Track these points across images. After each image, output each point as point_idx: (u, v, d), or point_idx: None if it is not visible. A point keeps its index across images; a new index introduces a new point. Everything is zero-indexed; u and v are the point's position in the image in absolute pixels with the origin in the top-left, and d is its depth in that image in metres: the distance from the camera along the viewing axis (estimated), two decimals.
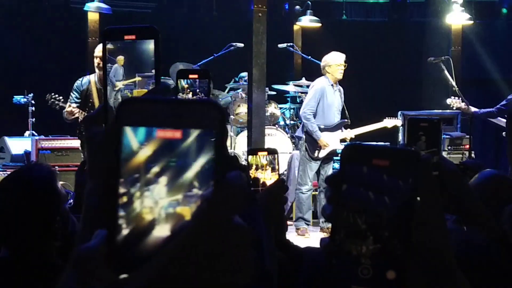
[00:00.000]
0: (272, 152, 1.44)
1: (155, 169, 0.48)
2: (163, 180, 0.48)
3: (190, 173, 0.48)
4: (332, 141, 5.93)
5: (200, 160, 0.48)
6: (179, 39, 8.75)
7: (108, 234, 0.48)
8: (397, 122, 6.49)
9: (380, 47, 9.58)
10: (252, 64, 5.33)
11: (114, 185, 0.48)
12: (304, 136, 6.01)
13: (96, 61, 5.13)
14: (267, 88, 6.95)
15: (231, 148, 7.09)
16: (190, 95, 1.10)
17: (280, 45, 7.86)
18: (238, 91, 7.49)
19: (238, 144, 7.15)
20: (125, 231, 0.48)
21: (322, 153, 5.93)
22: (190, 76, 1.12)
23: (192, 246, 0.46)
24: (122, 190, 0.48)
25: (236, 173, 0.50)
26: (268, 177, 1.42)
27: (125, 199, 0.48)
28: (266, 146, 5.85)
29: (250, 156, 1.42)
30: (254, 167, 1.41)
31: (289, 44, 8.00)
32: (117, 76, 0.83)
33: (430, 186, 0.62)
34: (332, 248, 0.56)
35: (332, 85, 5.97)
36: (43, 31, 8.60)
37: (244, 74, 7.40)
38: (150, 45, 0.77)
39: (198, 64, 7.14)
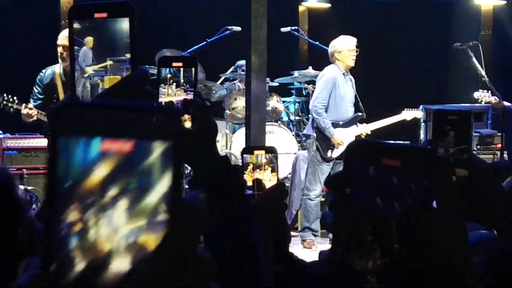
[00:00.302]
0: (271, 150, 1.45)
1: (112, 191, 0.46)
2: (123, 204, 0.46)
3: (154, 195, 0.46)
4: (346, 138, 5.90)
5: (165, 180, 0.46)
6: (166, 22, 8.76)
7: (42, 266, 0.46)
8: (416, 114, 6.50)
9: (398, 31, 9.55)
10: (250, 51, 5.32)
11: (49, 212, 0.46)
12: (314, 134, 5.99)
13: (59, 50, 5.05)
14: (268, 79, 6.93)
15: (226, 148, 7.08)
16: (173, 87, 1.10)
17: (283, 29, 7.83)
18: (235, 82, 7.48)
19: (234, 143, 7.15)
20: (78, 265, 0.46)
21: (336, 153, 5.91)
22: (174, 64, 1.12)
23: (152, 282, 0.46)
24: (74, 216, 0.46)
25: (194, 193, 0.51)
26: (267, 178, 1.44)
27: (78, 227, 0.46)
28: (267, 144, 5.84)
29: (245, 156, 1.43)
30: (251, 166, 1.43)
31: (293, 28, 7.97)
32: (87, 60, 0.83)
33: (448, 189, 0.62)
34: (334, 263, 0.56)
35: (344, 74, 5.98)
36: (7, 20, 8.54)
37: (242, 62, 7.37)
38: (124, 24, 0.76)
39: (188, 51, 7.11)
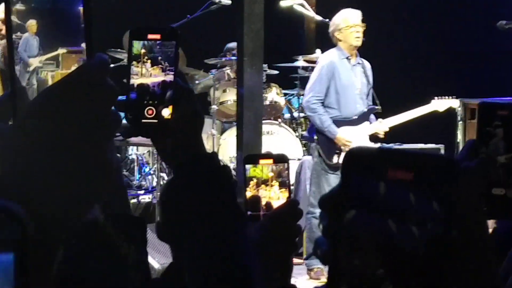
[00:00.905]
0: (281, 159, 1.43)
1: None
2: None
3: None
4: (356, 138, 5.86)
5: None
6: None
7: None
8: (452, 102, 6.38)
9: (428, 6, 9.58)
10: (243, 30, 5.35)
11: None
12: (315, 137, 5.98)
13: None
14: (265, 66, 7.01)
15: None
16: (148, 65, 1.09)
17: (283, 3, 7.83)
18: (224, 69, 7.49)
19: (223, 147, 7.17)
20: None
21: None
22: (150, 36, 1.11)
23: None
24: None
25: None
26: (275, 196, 1.41)
27: None
28: (265, 149, 5.77)
29: (247, 166, 1.41)
30: (254, 181, 1.41)
31: (297, 1, 8.02)
32: (30, 50, 0.85)
33: (474, 209, 0.62)
34: None
35: (348, 58, 5.95)
36: None
37: (232, 45, 7.37)
38: (77, 4, 0.77)
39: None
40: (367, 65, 6.11)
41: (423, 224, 0.56)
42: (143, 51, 1.09)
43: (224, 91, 7.36)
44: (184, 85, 1.12)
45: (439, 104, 6.35)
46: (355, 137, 5.88)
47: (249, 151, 5.05)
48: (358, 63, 6.03)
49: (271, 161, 1.43)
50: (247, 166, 1.42)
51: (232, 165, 6.65)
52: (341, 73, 5.93)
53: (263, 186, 1.41)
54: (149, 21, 7.30)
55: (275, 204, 1.41)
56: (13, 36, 0.77)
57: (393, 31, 9.23)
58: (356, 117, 5.95)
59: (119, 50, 7.26)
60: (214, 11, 7.22)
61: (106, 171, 0.76)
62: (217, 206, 1.09)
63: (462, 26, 9.50)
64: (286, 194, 1.43)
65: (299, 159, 6.81)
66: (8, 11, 0.76)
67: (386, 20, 6.19)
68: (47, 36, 0.80)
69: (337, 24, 5.98)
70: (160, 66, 1.09)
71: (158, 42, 1.10)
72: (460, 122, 6.78)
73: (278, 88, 7.49)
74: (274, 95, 7.39)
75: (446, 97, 6.36)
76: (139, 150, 7.55)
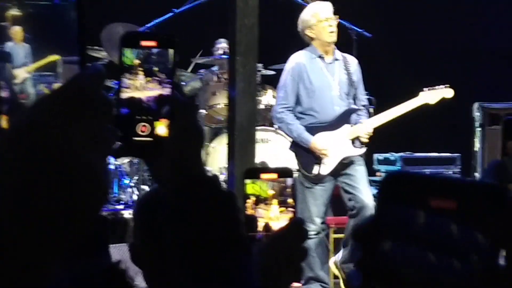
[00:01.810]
0: (285, 174, 1.45)
1: None
2: None
3: None
4: (335, 145, 5.78)
5: None
6: None
7: None
8: (444, 92, 5.95)
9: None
10: (235, 25, 5.28)
11: None
12: (293, 148, 5.95)
13: None
14: (260, 65, 7.06)
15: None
16: (140, 77, 1.08)
17: None
18: (213, 69, 7.54)
19: (212, 155, 7.19)
20: None
21: (325, 169, 5.79)
22: (144, 43, 1.10)
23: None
24: None
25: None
26: (274, 216, 1.44)
27: None
28: (259, 159, 5.84)
29: (247, 181, 1.43)
30: (252, 199, 1.43)
31: None
32: (15, 60, 0.83)
33: None
34: None
35: (320, 56, 5.87)
36: None
37: (223, 41, 7.47)
38: (66, 5, 0.75)
39: (148, 25, 7.15)
40: (351, 60, 6.01)
41: (466, 257, 0.58)
42: (136, 61, 1.08)
43: (214, 93, 7.41)
44: (182, 99, 1.12)
45: (429, 96, 5.97)
46: (333, 143, 5.79)
47: (242, 161, 5.04)
48: (336, 60, 5.93)
49: (274, 175, 1.43)
50: (246, 181, 1.42)
51: (222, 176, 6.64)
52: (311, 75, 5.85)
53: (261, 205, 1.42)
54: (130, 15, 7.36)
55: (275, 225, 1.42)
56: (5, 45, 0.75)
57: (403, 23, 9.22)
58: (333, 120, 5.83)
59: (96, 48, 7.25)
60: (203, 4, 7.29)
61: (98, 194, 0.74)
62: (219, 236, 1.10)
63: (482, 21, 9.47)
64: (288, 215, 1.44)
65: (297, 170, 6.70)
66: None
67: (391, 10, 6.10)
68: (39, 44, 0.68)
69: (307, 20, 5.92)
70: (156, 78, 1.08)
71: (153, 50, 1.10)
72: (479, 129, 6.67)
73: (274, 90, 7.41)
74: (269, 98, 7.42)
75: (437, 86, 5.98)
76: (117, 160, 7.48)
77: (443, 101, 5.94)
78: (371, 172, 6.15)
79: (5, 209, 0.71)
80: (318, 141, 5.73)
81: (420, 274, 0.58)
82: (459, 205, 0.59)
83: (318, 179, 5.78)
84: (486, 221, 0.59)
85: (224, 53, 7.35)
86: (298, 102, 5.84)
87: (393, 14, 7.45)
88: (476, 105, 6.75)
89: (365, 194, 5.73)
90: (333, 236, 6.18)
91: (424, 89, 5.99)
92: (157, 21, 7.22)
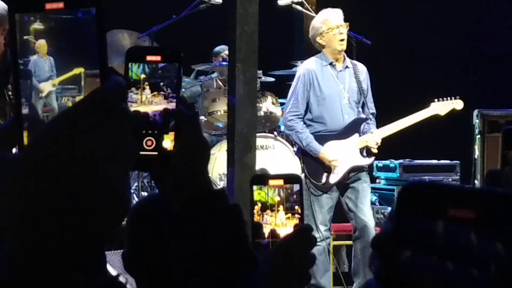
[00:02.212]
0: (292, 180, 1.45)
1: None
2: None
3: None
4: (343, 154, 5.80)
5: None
6: None
7: None
8: (455, 104, 6.09)
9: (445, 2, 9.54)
10: (235, 32, 5.29)
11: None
12: (300, 155, 5.98)
13: None
14: (260, 72, 6.97)
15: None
16: (146, 91, 1.09)
17: (281, 2, 7.75)
18: (213, 76, 7.51)
19: (212, 162, 7.14)
20: None
21: (334, 177, 5.82)
22: (149, 58, 1.11)
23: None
24: None
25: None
26: (281, 223, 1.44)
27: None
28: (259, 166, 5.81)
29: (254, 187, 1.43)
30: (258, 206, 1.43)
31: (296, 0, 7.94)
32: (40, 73, 0.86)
33: None
34: None
35: (331, 64, 5.88)
36: None
37: (223, 48, 7.44)
38: (88, 18, 0.78)
39: (148, 31, 7.14)
40: (361, 68, 6.02)
41: (486, 267, 0.57)
42: (142, 76, 1.09)
43: (214, 100, 7.37)
44: (188, 113, 1.12)
45: (440, 107, 6.08)
46: (342, 152, 5.80)
47: (242, 168, 5.05)
48: (347, 67, 5.95)
49: (281, 181, 1.43)
50: (254, 187, 1.43)
51: (222, 183, 6.66)
52: (322, 82, 5.87)
53: (268, 211, 1.42)
54: (130, 22, 7.30)
55: (281, 232, 1.42)
56: (30, 58, 0.81)
57: (403, 30, 9.19)
58: (342, 129, 5.84)
59: None
60: (203, 10, 7.25)
61: (119, 208, 0.74)
62: (225, 250, 1.10)
63: (482, 26, 9.45)
64: (295, 221, 1.44)
65: (304, 177, 6.68)
66: (13, 29, 0.79)
67: (394, 19, 6.10)
68: (63, 57, 0.82)
69: (318, 27, 5.94)
70: (162, 92, 1.09)
71: (159, 65, 1.11)
72: (478, 136, 6.66)
73: (274, 97, 7.48)
74: (269, 104, 7.40)
75: (448, 98, 6.09)
76: None
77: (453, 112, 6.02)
78: (371, 179, 6.16)
79: (26, 222, 0.71)
80: (328, 152, 5.74)
81: (439, 284, 0.59)
82: (478, 214, 0.59)
83: (326, 188, 5.80)
84: (505, 230, 0.59)
85: (224, 60, 7.34)
86: (308, 109, 5.85)
87: (392, 22, 7.44)
88: (475, 112, 6.73)
89: (367, 215, 5.76)
90: (332, 243, 6.19)
91: (435, 100, 6.04)
92: (156, 27, 7.21)
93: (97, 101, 0.75)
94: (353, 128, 5.85)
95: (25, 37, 0.79)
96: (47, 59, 0.83)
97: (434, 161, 7.61)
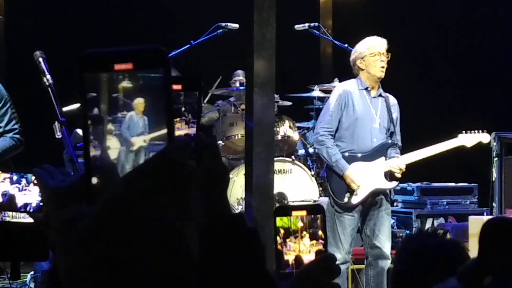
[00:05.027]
0: (315, 210, 1.43)
1: None
2: None
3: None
4: (367, 176, 5.81)
5: None
6: (139, 18, 8.85)
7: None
8: (482, 137, 6.20)
9: (460, 27, 9.52)
10: (253, 57, 5.32)
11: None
12: (326, 173, 5.98)
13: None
14: (277, 96, 7.00)
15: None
16: None
17: (298, 27, 7.85)
18: (230, 100, 7.53)
19: (230, 187, 7.01)
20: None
21: (357, 198, 5.82)
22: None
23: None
24: None
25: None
26: (305, 250, 1.41)
27: None
28: (277, 190, 5.82)
29: (278, 219, 1.41)
30: (282, 232, 1.41)
31: (312, 24, 7.99)
32: (133, 129, 0.89)
33: None
34: None
35: (367, 89, 5.93)
36: None
37: (240, 73, 7.46)
38: (156, 77, 0.81)
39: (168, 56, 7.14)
40: (393, 100, 6.07)
41: None
42: None
43: (231, 124, 7.38)
44: (208, 138, 1.13)
45: (467, 139, 6.16)
46: (366, 174, 5.81)
47: (260, 192, 5.05)
48: (381, 96, 5.99)
49: (304, 212, 1.41)
50: (277, 219, 1.41)
51: (239, 208, 6.62)
52: (356, 104, 5.89)
53: (291, 238, 1.40)
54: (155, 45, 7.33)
55: (306, 258, 1.39)
56: (119, 115, 0.85)
57: (419, 59, 9.19)
58: (370, 151, 5.87)
59: None
60: (220, 35, 7.28)
61: (185, 264, 0.76)
62: (244, 275, 1.10)
63: (500, 50, 9.42)
64: (319, 247, 1.41)
65: (315, 201, 6.80)
66: (82, 88, 0.81)
67: (411, 46, 6.14)
68: (155, 115, 0.84)
69: (361, 51, 5.96)
70: (183, 118, 1.11)
71: (180, 92, 1.13)
72: (496, 159, 6.65)
73: (291, 121, 7.47)
74: (286, 128, 7.39)
75: (475, 131, 6.18)
76: None
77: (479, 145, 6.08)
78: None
79: (98, 280, 0.73)
80: (353, 171, 5.75)
81: None
82: None
83: (348, 208, 5.79)
84: None
85: (241, 85, 7.35)
86: (338, 128, 5.87)
87: (405, 41, 7.46)
88: (493, 135, 6.73)
89: (383, 243, 5.77)
90: (350, 267, 6.20)
91: (463, 132, 6.10)
92: (175, 52, 7.20)
93: (167, 161, 0.77)
94: (380, 151, 5.87)
95: (114, 95, 0.82)
96: (142, 117, 0.85)
97: (452, 184, 7.61)
